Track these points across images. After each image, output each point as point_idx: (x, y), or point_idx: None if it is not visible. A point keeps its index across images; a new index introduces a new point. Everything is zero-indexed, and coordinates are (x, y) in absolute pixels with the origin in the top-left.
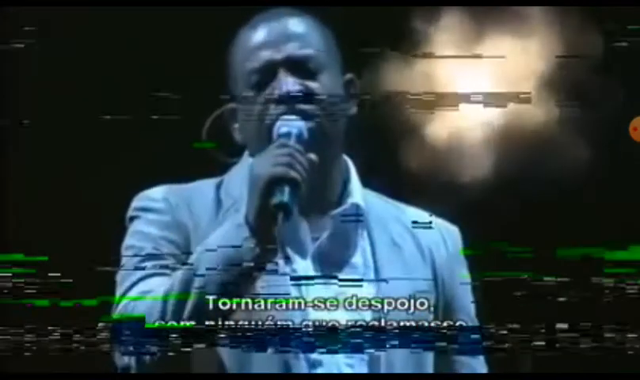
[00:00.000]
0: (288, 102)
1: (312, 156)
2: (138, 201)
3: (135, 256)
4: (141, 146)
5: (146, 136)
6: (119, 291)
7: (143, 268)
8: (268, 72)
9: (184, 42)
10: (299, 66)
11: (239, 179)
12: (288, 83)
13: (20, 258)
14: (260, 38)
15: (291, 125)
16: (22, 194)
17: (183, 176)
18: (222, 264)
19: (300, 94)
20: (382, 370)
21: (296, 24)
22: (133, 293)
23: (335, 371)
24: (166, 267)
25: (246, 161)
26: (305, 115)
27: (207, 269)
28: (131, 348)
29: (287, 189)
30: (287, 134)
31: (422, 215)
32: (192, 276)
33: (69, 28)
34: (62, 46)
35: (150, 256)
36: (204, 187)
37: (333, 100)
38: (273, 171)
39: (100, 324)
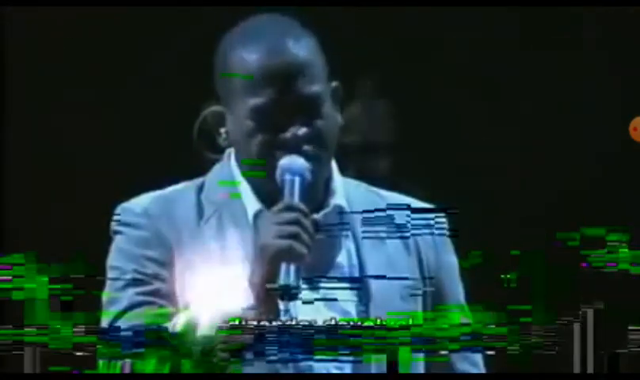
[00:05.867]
0: (294, 145)
1: (316, 216)
2: (119, 214)
3: (119, 279)
4: (140, 145)
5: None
6: (106, 317)
7: (127, 291)
8: (274, 108)
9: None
10: (308, 102)
11: (221, 180)
12: (296, 128)
13: (20, 259)
14: (265, 71)
15: (294, 169)
16: (22, 194)
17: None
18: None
19: (307, 137)
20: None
21: (301, 51)
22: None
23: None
24: (152, 293)
25: (227, 161)
26: (308, 156)
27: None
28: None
29: (292, 269)
30: (292, 182)
31: (404, 200)
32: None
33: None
34: (58, 45)
35: (134, 282)
36: (186, 191)
37: (333, 130)
38: (280, 244)
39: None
